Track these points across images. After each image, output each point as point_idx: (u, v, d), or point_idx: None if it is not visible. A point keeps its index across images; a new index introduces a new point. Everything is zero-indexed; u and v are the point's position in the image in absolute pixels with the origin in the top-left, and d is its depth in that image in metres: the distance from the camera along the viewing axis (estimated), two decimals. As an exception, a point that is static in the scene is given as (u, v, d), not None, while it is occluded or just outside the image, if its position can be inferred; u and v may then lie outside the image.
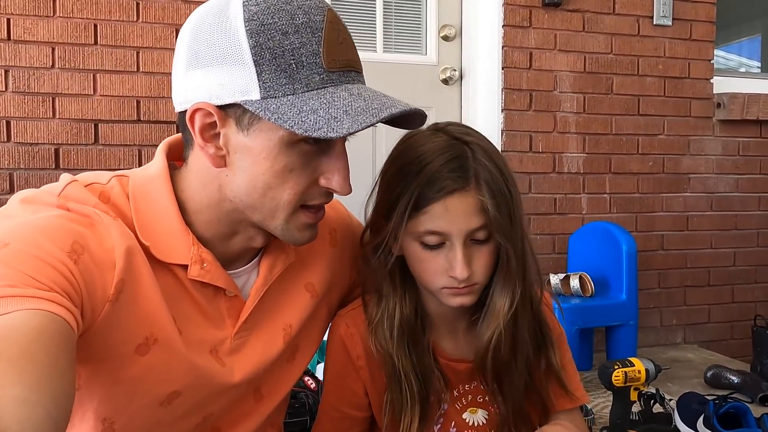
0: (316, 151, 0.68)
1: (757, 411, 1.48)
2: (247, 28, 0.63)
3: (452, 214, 0.75)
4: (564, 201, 2.33)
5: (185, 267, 0.69)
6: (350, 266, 0.92)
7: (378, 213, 0.82)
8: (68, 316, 0.55)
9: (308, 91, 0.64)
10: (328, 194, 0.72)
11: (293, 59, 0.63)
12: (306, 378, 1.57)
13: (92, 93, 1.88)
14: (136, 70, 1.91)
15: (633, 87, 2.37)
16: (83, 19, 1.86)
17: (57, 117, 1.86)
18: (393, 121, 0.71)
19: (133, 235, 0.66)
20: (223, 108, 0.65)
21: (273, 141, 0.65)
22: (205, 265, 0.70)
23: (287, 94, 0.63)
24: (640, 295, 2.38)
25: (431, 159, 0.76)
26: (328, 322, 0.91)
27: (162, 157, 0.72)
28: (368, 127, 0.63)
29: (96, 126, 1.90)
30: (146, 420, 0.70)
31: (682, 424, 1.51)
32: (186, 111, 0.67)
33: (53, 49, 1.85)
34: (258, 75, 0.63)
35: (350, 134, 0.63)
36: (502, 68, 2.23)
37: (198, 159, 0.70)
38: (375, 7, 2.28)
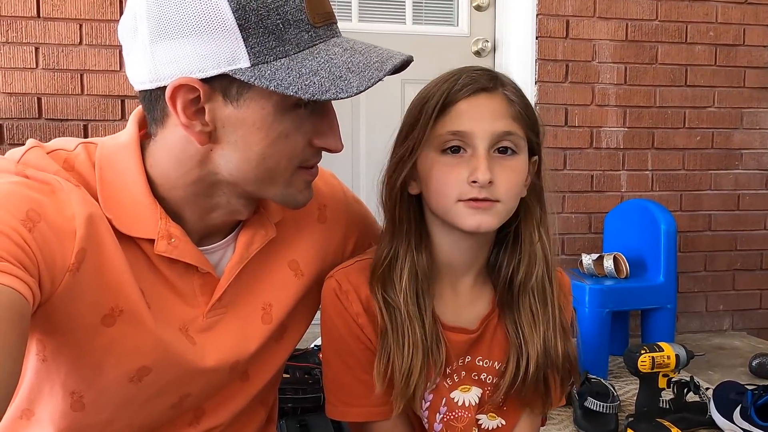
0: (309, 114, 0.66)
1: (802, 403, 1.36)
2: None
3: (478, 112, 0.73)
4: (602, 178, 2.21)
5: (152, 242, 0.66)
6: (343, 243, 0.87)
7: (399, 137, 0.78)
8: (21, 287, 0.53)
9: (300, 51, 0.61)
10: (320, 152, 0.70)
11: (279, 19, 0.59)
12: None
13: (118, 69, 1.90)
14: (160, 45, 1.92)
15: (680, 56, 2.22)
16: (108, -6, 1.87)
17: (85, 93, 1.89)
18: None
19: (97, 204, 0.64)
20: (207, 81, 0.60)
21: (266, 109, 0.62)
22: (173, 240, 0.66)
23: (279, 57, 0.60)
24: (684, 278, 2.25)
25: (459, 72, 0.76)
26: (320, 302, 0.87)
27: (134, 126, 0.69)
28: (377, 82, 0.61)
29: (123, 102, 1.92)
30: (117, 396, 0.68)
31: (718, 414, 1.41)
32: (160, 88, 0.62)
33: (80, 26, 1.87)
34: (245, 40, 0.59)
35: (360, 93, 0.60)
36: (537, 38, 2.12)
37: (173, 136, 0.65)
38: (404, -23, 2.21)
